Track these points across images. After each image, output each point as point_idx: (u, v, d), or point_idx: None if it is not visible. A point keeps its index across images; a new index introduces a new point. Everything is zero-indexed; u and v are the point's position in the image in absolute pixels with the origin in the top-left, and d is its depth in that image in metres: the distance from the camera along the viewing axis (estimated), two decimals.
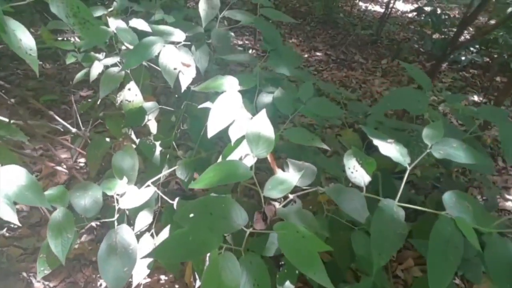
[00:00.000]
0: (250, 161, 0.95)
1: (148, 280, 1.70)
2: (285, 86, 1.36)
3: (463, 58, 4.38)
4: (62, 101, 2.93)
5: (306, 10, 6.04)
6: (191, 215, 0.81)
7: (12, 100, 2.86)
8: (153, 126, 1.49)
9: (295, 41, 4.93)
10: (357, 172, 0.95)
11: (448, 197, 0.82)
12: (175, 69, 1.20)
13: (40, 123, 2.07)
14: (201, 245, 0.75)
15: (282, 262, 1.29)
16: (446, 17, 4.64)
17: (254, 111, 1.20)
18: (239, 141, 1.02)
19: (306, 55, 4.52)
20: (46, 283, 1.66)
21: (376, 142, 0.97)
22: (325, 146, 1.17)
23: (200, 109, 1.19)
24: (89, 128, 2.09)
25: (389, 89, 3.88)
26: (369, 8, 6.27)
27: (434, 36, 4.72)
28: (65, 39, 1.84)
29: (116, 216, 1.17)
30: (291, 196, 0.98)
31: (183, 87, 1.23)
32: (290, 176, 0.94)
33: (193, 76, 1.26)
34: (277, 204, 0.95)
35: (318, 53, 4.62)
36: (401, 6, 6.73)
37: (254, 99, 1.29)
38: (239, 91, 1.16)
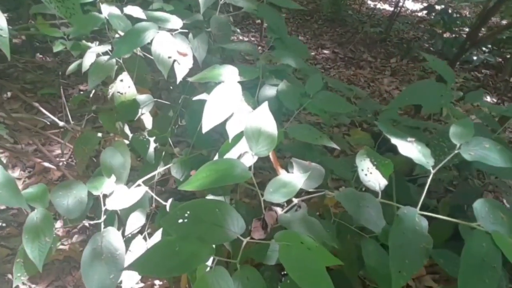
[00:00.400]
0: (249, 160, 0.83)
1: (142, 285, 1.60)
2: (290, 79, 1.25)
3: (474, 58, 4.24)
4: (60, 95, 2.84)
5: (313, 8, 5.92)
6: (180, 220, 0.70)
7: (9, 93, 2.78)
8: (147, 121, 1.38)
9: (302, 38, 4.81)
10: (372, 175, 0.83)
11: (479, 206, 0.70)
12: (169, 58, 1.10)
13: (25, 116, 1.97)
14: (189, 257, 0.64)
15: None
16: (458, 15, 4.50)
17: (255, 105, 1.09)
18: (238, 138, 0.91)
19: (313, 53, 4.41)
20: (33, 286, 1.56)
21: (394, 141, 0.85)
22: (334, 145, 1.06)
23: (199, 103, 1.08)
24: (84, 122, 2.00)
25: (398, 88, 3.77)
26: (378, 6, 6.14)
27: (444, 35, 4.59)
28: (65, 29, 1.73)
29: (103, 217, 1.07)
30: (295, 201, 0.87)
31: (179, 78, 1.12)
32: (295, 177, 0.83)
33: (189, 66, 1.15)
34: (279, 210, 0.83)
35: (325, 51, 4.50)
36: (410, 5, 6.60)
37: (256, 92, 1.17)
38: (240, 83, 1.05)
